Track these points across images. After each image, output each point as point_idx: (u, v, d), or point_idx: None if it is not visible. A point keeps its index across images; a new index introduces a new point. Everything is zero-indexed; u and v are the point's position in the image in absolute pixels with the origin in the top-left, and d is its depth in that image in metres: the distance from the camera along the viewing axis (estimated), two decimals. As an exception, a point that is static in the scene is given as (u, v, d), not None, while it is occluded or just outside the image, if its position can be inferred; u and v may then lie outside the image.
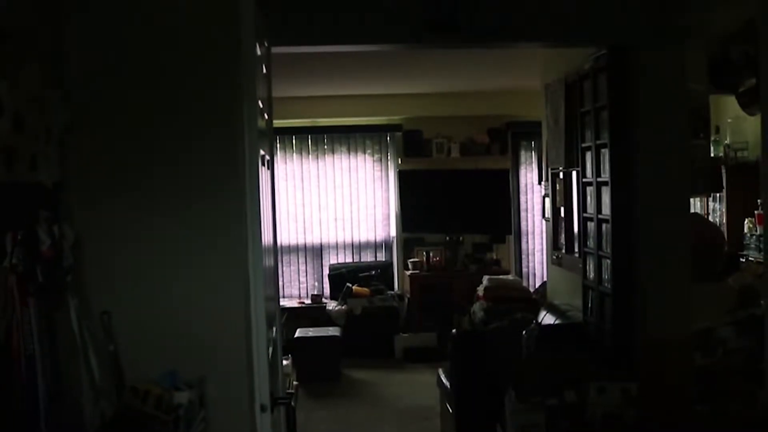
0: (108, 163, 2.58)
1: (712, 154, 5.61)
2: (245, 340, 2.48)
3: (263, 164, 2.84)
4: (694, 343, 3.94)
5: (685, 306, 3.92)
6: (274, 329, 3.09)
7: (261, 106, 2.76)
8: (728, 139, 5.85)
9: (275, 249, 3.29)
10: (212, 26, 2.63)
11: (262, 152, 2.73)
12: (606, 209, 4.16)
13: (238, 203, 2.46)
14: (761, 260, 5.10)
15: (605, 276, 4.23)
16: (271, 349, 2.77)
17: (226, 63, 2.56)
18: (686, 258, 3.95)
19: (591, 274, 4.49)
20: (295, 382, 5.52)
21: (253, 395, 2.42)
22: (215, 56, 2.62)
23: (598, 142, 4.25)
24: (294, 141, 8.89)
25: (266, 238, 2.73)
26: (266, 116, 3.10)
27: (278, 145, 8.77)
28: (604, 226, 4.23)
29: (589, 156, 4.44)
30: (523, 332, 4.55)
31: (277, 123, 7.71)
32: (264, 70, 3.03)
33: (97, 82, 2.58)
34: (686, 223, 4.01)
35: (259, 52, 2.68)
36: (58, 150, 2.28)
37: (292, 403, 3.95)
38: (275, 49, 3.43)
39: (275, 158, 8.64)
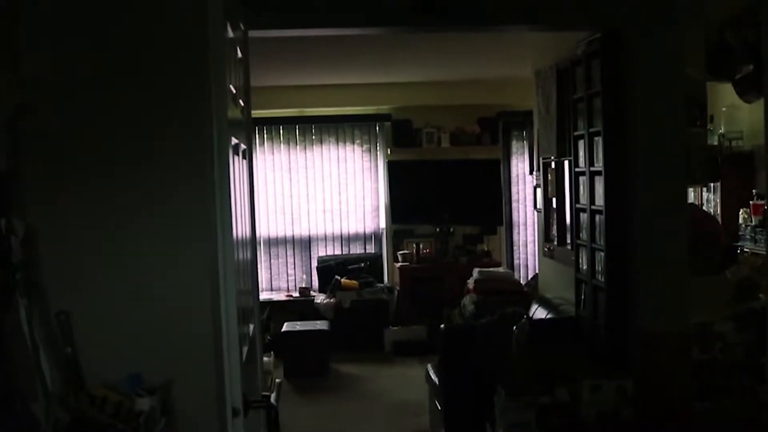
0: (65, 152, 2.42)
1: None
2: (214, 339, 2.32)
3: (237, 154, 2.68)
4: (692, 338, 3.82)
5: (683, 300, 3.79)
6: (251, 326, 2.94)
7: (234, 92, 2.59)
8: (722, 128, 5.73)
9: (254, 241, 3.15)
10: (178, 5, 2.46)
11: (236, 141, 2.57)
12: (599, 200, 4.03)
13: (207, 195, 2.30)
14: (757, 251, 5.01)
15: (598, 269, 4.11)
16: (246, 348, 2.62)
17: (193, 46, 2.40)
18: (683, 250, 3.81)
19: (584, 267, 4.37)
20: (278, 380, 5.38)
21: (223, 399, 2.26)
22: (181, 39, 2.46)
23: (591, 130, 4.12)
24: (281, 131, 8.74)
25: (240, 230, 2.58)
26: (242, 103, 2.94)
27: (265, 135, 8.64)
28: (597, 217, 4.11)
29: (581, 145, 4.31)
30: (514, 327, 4.44)
31: (264, 112, 7.75)
32: (239, 55, 2.88)
33: (54, 64, 2.41)
34: (683, 214, 3.87)
35: (231, 35, 2.52)
36: (6, 137, 2.12)
37: (273, 401, 3.82)
38: (257, 34, 3.27)
39: (263, 149, 8.59)
